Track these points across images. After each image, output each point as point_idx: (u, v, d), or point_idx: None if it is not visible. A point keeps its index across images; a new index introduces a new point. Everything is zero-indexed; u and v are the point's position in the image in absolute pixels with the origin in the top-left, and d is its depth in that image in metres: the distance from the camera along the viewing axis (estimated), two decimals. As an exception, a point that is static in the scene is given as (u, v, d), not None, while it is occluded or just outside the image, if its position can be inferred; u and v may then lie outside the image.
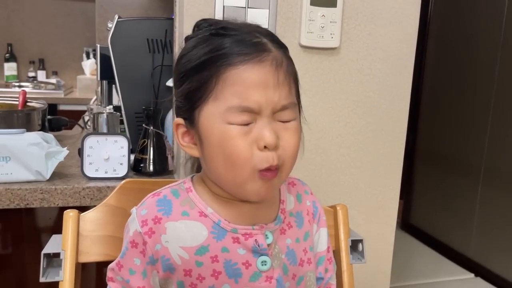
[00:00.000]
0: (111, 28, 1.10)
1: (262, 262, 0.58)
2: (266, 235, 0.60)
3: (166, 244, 0.57)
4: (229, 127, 0.54)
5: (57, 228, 0.77)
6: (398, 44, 1.03)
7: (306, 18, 0.95)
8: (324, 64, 1.00)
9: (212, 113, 0.54)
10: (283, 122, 0.56)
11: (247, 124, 0.54)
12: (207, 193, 0.61)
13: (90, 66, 2.92)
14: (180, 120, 0.59)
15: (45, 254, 0.71)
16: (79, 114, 2.14)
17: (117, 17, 1.10)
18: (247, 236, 0.58)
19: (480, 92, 2.48)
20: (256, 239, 0.58)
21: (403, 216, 3.00)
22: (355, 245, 0.85)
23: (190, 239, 0.57)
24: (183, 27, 0.92)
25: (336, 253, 0.84)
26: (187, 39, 0.61)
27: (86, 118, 1.54)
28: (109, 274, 0.62)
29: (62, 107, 2.66)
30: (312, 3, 0.95)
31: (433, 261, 2.54)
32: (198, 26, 0.61)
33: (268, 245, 0.59)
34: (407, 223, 2.99)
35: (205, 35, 0.57)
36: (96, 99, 2.30)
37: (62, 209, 0.90)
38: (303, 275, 0.64)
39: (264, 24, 0.94)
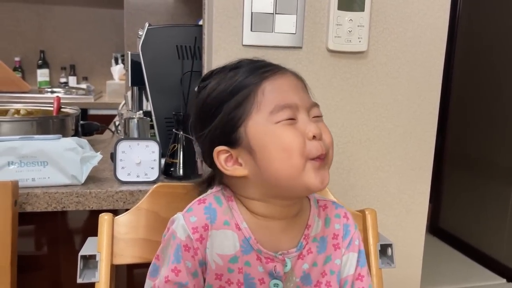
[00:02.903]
0: (141, 35, 1.12)
1: (274, 284, 0.64)
2: (286, 264, 0.64)
3: (207, 251, 0.63)
4: (278, 125, 0.60)
5: (90, 230, 0.80)
6: (427, 46, 1.02)
7: (334, 22, 0.95)
8: (351, 68, 1.00)
9: (258, 122, 0.61)
10: (316, 117, 0.63)
11: (291, 119, 0.60)
12: (243, 207, 0.65)
13: (118, 71, 2.98)
14: (220, 148, 0.63)
15: (81, 256, 0.73)
16: (108, 118, 2.18)
17: (147, 25, 1.12)
18: (269, 260, 0.64)
19: (511, 93, 2.42)
20: (275, 266, 0.64)
21: (431, 219, 2.95)
22: (384, 249, 0.84)
23: (226, 247, 0.63)
24: (212, 34, 0.93)
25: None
26: (203, 86, 0.66)
27: (117, 123, 1.58)
28: (167, 285, 0.61)
29: (92, 112, 2.72)
30: (339, 8, 0.95)
31: (463, 266, 2.49)
32: (207, 77, 0.67)
33: (285, 273, 0.64)
34: (436, 226, 2.94)
35: (223, 74, 0.64)
36: (124, 104, 2.35)
37: (94, 212, 0.93)
38: None
39: (292, 30, 0.95)
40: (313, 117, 0.63)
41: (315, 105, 0.64)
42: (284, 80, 0.63)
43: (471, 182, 2.73)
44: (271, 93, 0.61)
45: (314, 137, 0.60)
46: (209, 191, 0.67)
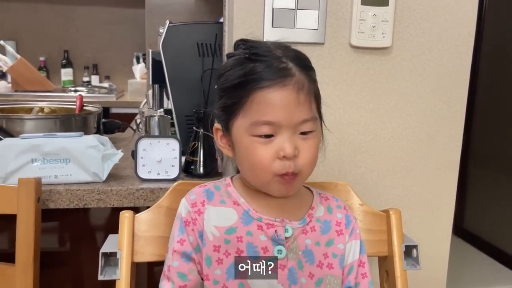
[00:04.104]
0: (162, 33, 1.12)
1: (278, 250, 0.67)
2: (286, 229, 0.68)
3: (204, 222, 0.68)
4: (253, 139, 0.64)
5: (111, 226, 0.80)
6: (454, 42, 0.99)
7: (357, 17, 0.93)
8: (375, 64, 0.97)
9: (240, 126, 0.65)
10: (304, 134, 0.65)
11: (268, 137, 0.64)
12: (243, 187, 0.72)
13: (140, 70, 3.01)
14: (218, 126, 0.71)
15: (103, 253, 0.73)
16: (130, 117, 2.21)
17: (168, 22, 1.12)
18: (269, 226, 0.68)
19: (541, 91, 2.34)
20: (276, 230, 0.67)
21: (455, 220, 2.88)
22: (409, 250, 0.82)
23: (223, 220, 0.68)
24: (233, 30, 0.92)
25: (390, 259, 0.82)
26: (228, 56, 0.71)
27: (138, 121, 1.59)
28: (174, 256, 0.68)
29: (114, 110, 2.76)
30: (363, 3, 0.93)
31: (489, 268, 2.43)
32: (237, 45, 0.70)
33: (287, 238, 0.68)
34: (460, 227, 2.87)
35: (241, 57, 0.67)
36: (146, 102, 2.37)
37: (115, 209, 0.93)
38: (323, 277, 0.70)
39: (314, 25, 0.93)
40: (300, 133, 0.64)
41: (307, 120, 0.65)
42: (278, 94, 0.62)
43: (496, 182, 2.66)
44: (258, 105, 0.63)
45: (284, 156, 0.63)
46: (212, 181, 0.74)
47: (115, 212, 0.78)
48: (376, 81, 0.98)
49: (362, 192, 0.96)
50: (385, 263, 0.83)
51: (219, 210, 0.69)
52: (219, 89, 0.69)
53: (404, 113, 1.00)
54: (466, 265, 2.44)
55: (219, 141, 0.72)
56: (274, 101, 0.63)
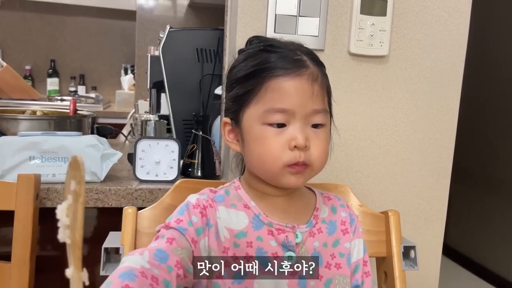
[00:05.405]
0: (162, 38, 1.14)
1: (288, 256, 0.66)
2: (297, 234, 0.67)
3: (217, 220, 0.66)
4: (265, 128, 0.63)
5: (102, 229, 0.79)
6: (447, 53, 1.03)
7: (356, 26, 0.96)
8: (372, 72, 1.00)
9: (253, 115, 0.64)
10: (315, 128, 0.64)
11: (280, 126, 0.63)
12: (251, 190, 0.70)
13: (128, 81, 3.01)
14: (227, 120, 0.70)
15: (105, 249, 0.72)
16: (117, 127, 2.18)
17: (168, 27, 1.14)
18: (280, 231, 0.66)
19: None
20: (287, 236, 0.66)
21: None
22: (407, 251, 0.84)
23: (234, 223, 0.66)
24: (236, 35, 0.94)
25: (388, 260, 0.83)
26: (240, 52, 0.72)
27: (132, 124, 1.59)
28: (161, 228, 0.63)
29: (101, 120, 2.72)
30: (362, 12, 0.96)
31: (471, 284, 2.46)
32: (250, 41, 0.71)
33: (297, 243, 0.66)
34: (443, 243, 2.91)
35: (255, 50, 0.67)
36: (134, 112, 2.36)
37: (106, 210, 0.92)
38: (332, 278, 0.69)
39: (314, 32, 0.96)
40: (311, 126, 0.64)
41: (319, 111, 0.64)
42: (293, 83, 0.62)
43: (476, 198, 2.72)
44: (272, 92, 0.62)
45: (295, 147, 0.62)
46: (222, 186, 0.73)
47: (105, 213, 0.76)
48: (373, 89, 1.01)
49: (357, 196, 0.97)
50: (383, 264, 0.84)
51: (230, 212, 0.67)
52: (230, 81, 0.69)
53: (399, 120, 1.03)
54: (448, 280, 2.47)
55: (226, 136, 0.70)
56: (289, 89, 0.62)
